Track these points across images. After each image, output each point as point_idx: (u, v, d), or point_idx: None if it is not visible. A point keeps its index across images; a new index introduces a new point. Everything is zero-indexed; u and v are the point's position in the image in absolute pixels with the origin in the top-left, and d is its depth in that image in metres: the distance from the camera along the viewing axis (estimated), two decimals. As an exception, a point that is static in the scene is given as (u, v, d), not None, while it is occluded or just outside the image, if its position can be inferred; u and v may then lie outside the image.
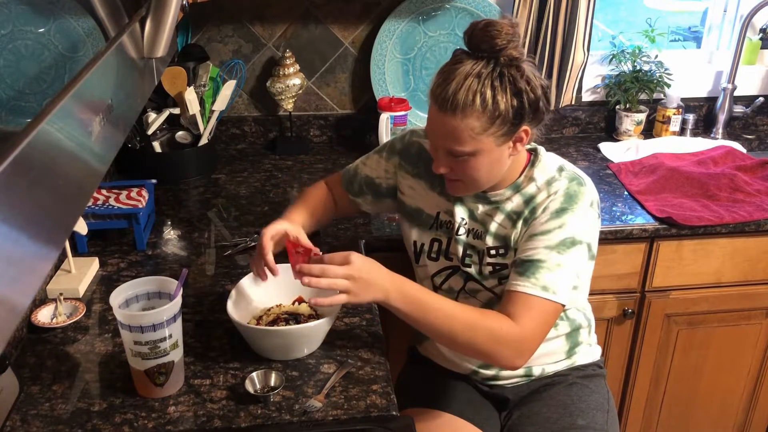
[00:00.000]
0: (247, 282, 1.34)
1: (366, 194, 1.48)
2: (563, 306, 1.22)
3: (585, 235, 1.24)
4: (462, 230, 1.34)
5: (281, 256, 1.50)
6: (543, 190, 1.27)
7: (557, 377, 1.42)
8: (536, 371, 1.42)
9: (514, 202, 1.29)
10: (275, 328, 1.25)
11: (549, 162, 1.31)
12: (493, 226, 1.31)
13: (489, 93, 1.15)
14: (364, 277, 1.16)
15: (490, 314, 1.20)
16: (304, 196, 1.49)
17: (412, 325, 1.22)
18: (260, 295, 1.35)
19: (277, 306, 1.35)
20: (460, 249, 1.34)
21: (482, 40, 1.15)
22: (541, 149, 1.33)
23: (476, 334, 1.17)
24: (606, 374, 1.49)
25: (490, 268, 1.32)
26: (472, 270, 1.34)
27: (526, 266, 1.21)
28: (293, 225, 1.30)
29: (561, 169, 1.29)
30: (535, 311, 1.19)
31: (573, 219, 1.23)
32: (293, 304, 1.36)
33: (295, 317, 1.31)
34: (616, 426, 1.42)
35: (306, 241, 1.29)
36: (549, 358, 1.41)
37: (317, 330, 1.25)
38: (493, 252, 1.31)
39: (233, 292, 1.29)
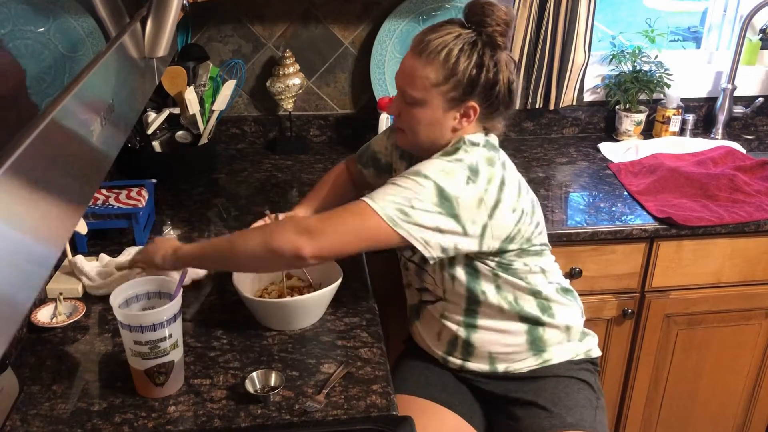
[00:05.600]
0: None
1: (370, 167, 1.57)
2: (380, 217, 1.18)
3: (434, 174, 1.20)
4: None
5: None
6: None
7: (539, 378, 1.40)
8: (500, 367, 1.40)
9: None
10: (295, 298, 1.33)
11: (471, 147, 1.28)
12: None
13: (456, 51, 1.22)
14: (155, 242, 1.33)
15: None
16: (320, 181, 1.63)
17: (210, 265, 1.38)
18: (254, 275, 1.43)
19: (271, 284, 1.45)
20: None
21: (474, 13, 1.24)
22: (482, 139, 1.29)
23: (253, 236, 1.24)
24: (597, 370, 1.47)
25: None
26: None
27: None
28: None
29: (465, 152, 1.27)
30: (344, 208, 1.23)
31: (428, 162, 1.24)
32: (281, 281, 1.44)
33: (297, 289, 1.43)
34: (605, 423, 1.40)
35: None
36: (509, 350, 1.38)
37: (326, 295, 1.35)
38: None
39: (234, 276, 1.37)
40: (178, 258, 1.28)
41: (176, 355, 1.16)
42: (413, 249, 1.29)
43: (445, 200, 1.20)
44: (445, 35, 1.23)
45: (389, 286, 1.63)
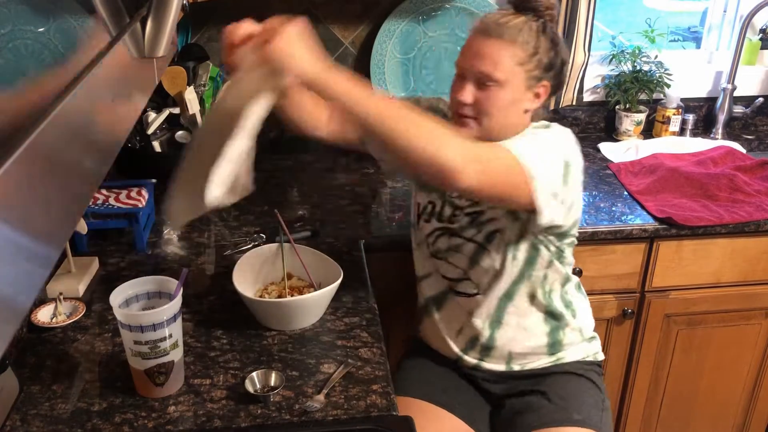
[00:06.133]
0: (242, 263, 1.39)
1: None
2: (518, 160, 1.16)
3: (560, 140, 1.28)
4: (455, 192, 1.37)
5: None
6: None
7: (551, 374, 1.42)
8: (515, 366, 1.42)
9: None
10: (295, 298, 1.34)
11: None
12: None
13: (534, 33, 1.24)
14: (291, 42, 0.98)
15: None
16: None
17: (349, 113, 1.07)
18: (253, 274, 1.42)
19: (271, 284, 1.43)
20: (449, 209, 1.39)
21: (526, 1, 1.26)
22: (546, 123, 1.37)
23: (419, 128, 1.08)
24: (602, 374, 1.49)
25: (468, 219, 1.36)
26: (455, 225, 1.38)
27: None
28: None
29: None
30: (500, 151, 1.18)
31: (544, 130, 1.30)
32: (282, 281, 1.43)
33: (297, 289, 1.41)
34: (610, 426, 1.42)
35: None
36: (527, 351, 1.41)
37: (326, 295, 1.34)
38: (467, 201, 1.35)
39: (234, 276, 1.35)
40: (321, 83, 1.01)
41: (176, 355, 1.16)
42: (479, 227, 1.32)
43: (567, 167, 1.24)
44: (515, 19, 1.25)
45: (389, 286, 1.63)
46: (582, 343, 1.45)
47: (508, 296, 1.37)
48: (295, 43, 0.99)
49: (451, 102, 1.31)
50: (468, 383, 1.47)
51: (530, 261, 1.34)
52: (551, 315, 1.40)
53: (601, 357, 1.49)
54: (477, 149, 1.15)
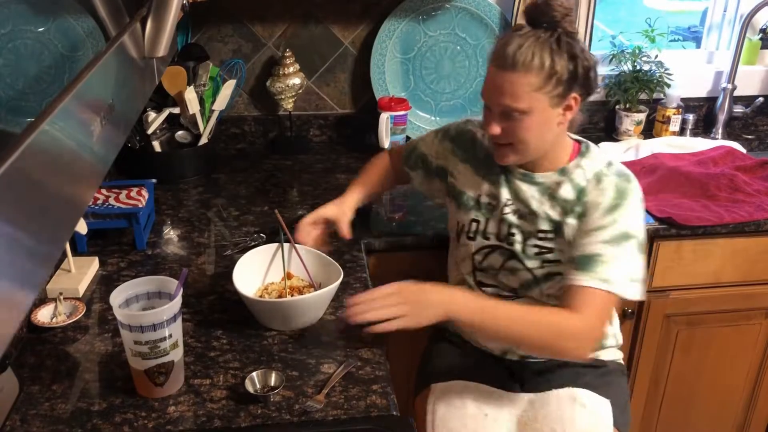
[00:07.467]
0: (242, 263, 1.39)
1: (419, 169, 1.55)
2: (618, 296, 1.25)
3: (636, 230, 1.28)
4: (507, 209, 1.38)
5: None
6: (592, 186, 1.31)
7: (587, 366, 1.44)
8: (557, 361, 1.45)
9: (564, 189, 1.33)
10: (295, 298, 1.34)
11: (598, 155, 1.36)
12: (543, 210, 1.34)
13: (547, 53, 1.22)
14: (416, 299, 1.21)
15: (552, 310, 1.26)
16: (367, 168, 1.65)
17: (477, 332, 1.33)
18: (253, 274, 1.42)
19: (271, 284, 1.43)
20: (504, 228, 1.38)
21: (541, 13, 1.25)
22: (591, 143, 1.39)
23: (541, 331, 1.23)
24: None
25: (535, 250, 1.36)
26: (516, 248, 1.37)
27: (584, 261, 1.26)
28: (338, 209, 1.48)
29: (609, 164, 1.34)
30: (595, 302, 1.24)
31: (625, 214, 1.28)
32: (282, 281, 1.43)
33: (297, 289, 1.41)
34: (628, 422, 1.47)
35: (344, 230, 1.47)
36: None
37: (326, 295, 1.33)
38: (541, 235, 1.35)
39: (234, 276, 1.34)
40: (450, 319, 1.23)
41: (176, 355, 1.16)
42: (543, 264, 1.35)
43: (641, 244, 1.28)
44: (528, 43, 1.22)
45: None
46: (614, 348, 1.51)
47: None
48: (419, 311, 1.21)
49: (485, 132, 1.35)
50: (503, 367, 1.48)
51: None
52: None
53: (622, 362, 1.54)
54: (592, 332, 1.25)
